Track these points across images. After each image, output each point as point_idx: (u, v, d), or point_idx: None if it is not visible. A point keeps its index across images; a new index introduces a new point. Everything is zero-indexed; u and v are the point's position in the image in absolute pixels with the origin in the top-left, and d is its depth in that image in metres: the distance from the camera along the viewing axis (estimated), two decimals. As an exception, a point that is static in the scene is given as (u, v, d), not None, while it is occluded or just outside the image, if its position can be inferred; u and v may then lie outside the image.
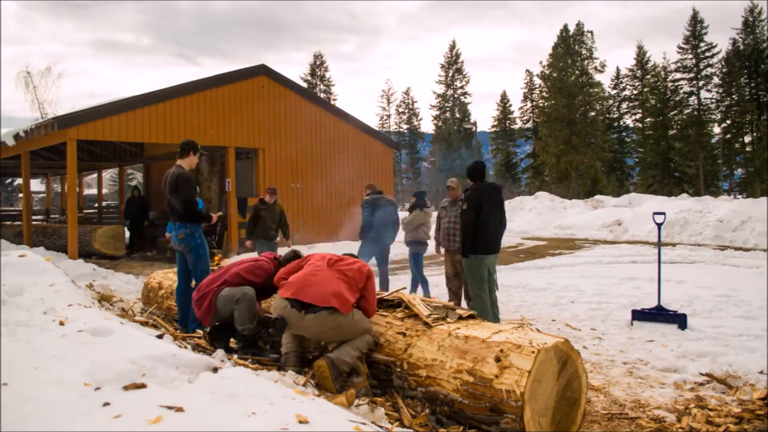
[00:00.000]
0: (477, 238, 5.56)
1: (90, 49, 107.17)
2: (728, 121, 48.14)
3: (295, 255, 4.57)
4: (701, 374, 4.43)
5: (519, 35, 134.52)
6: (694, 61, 49.24)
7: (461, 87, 62.25)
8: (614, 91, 55.54)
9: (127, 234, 15.83)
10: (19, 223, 16.05)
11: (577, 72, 51.58)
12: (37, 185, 34.38)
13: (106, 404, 1.80)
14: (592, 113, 51.89)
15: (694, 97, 49.42)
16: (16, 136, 12.79)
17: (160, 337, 3.47)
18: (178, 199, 5.28)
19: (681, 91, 49.99)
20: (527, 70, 69.99)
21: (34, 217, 17.29)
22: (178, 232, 5.33)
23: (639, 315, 6.10)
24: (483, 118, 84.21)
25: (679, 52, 49.81)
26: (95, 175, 24.03)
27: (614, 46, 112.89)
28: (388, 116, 67.21)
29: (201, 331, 4.80)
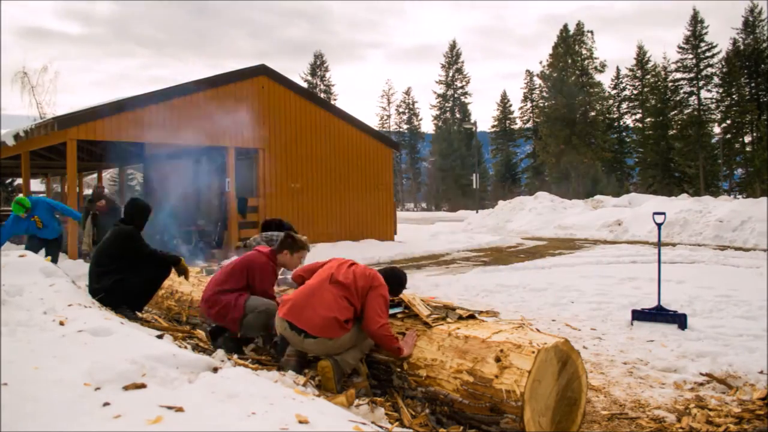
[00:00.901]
0: None
1: (18, 38, 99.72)
2: (728, 121, 48.21)
3: (288, 236, 4.51)
4: (701, 374, 4.43)
5: (482, 19, 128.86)
6: (694, 61, 49.28)
7: (461, 87, 62.29)
8: (614, 91, 55.60)
9: None
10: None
11: (577, 72, 51.62)
12: (37, 185, 34.39)
13: (106, 404, 1.80)
14: (592, 113, 51.96)
15: (694, 97, 49.50)
16: (16, 136, 12.79)
17: (160, 337, 3.47)
18: None
19: (681, 91, 50.07)
20: (527, 70, 70.06)
21: (34, 217, 17.25)
22: None
23: (639, 315, 6.10)
24: (483, 118, 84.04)
25: (679, 52, 49.94)
26: (95, 175, 24.04)
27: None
28: (388, 116, 67.25)
29: (201, 331, 4.80)
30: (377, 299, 3.58)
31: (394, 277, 3.98)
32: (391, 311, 3.87)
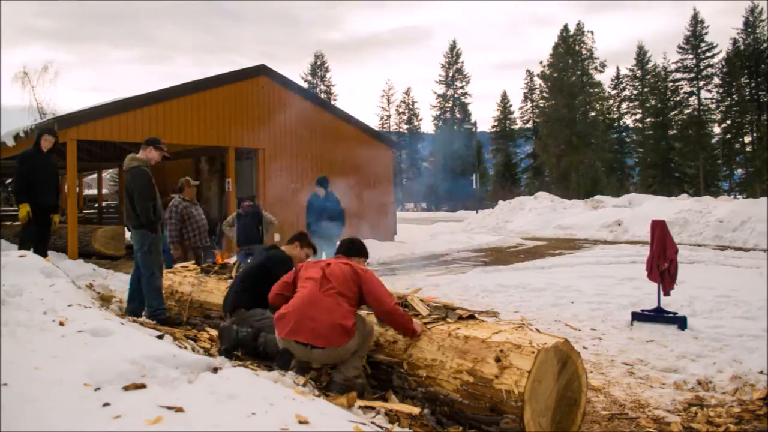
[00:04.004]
0: None
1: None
2: (728, 121, 48.19)
3: (300, 234, 4.46)
4: (701, 374, 4.43)
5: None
6: (694, 61, 49.27)
7: (461, 87, 62.28)
8: (614, 91, 55.58)
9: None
10: (19, 223, 16.03)
11: (577, 72, 51.59)
12: (37, 185, 34.26)
13: (106, 404, 1.80)
14: (592, 113, 51.91)
15: (694, 97, 49.47)
16: (16, 137, 12.77)
17: (160, 337, 3.47)
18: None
19: (681, 91, 50.04)
20: (527, 70, 70.04)
21: (34, 217, 17.22)
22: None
23: (639, 316, 6.10)
24: (483, 118, 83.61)
25: (679, 52, 49.89)
26: (95, 175, 24.03)
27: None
28: (388, 116, 67.23)
29: (197, 331, 4.79)
30: (373, 281, 3.60)
31: (355, 243, 4.06)
32: None
